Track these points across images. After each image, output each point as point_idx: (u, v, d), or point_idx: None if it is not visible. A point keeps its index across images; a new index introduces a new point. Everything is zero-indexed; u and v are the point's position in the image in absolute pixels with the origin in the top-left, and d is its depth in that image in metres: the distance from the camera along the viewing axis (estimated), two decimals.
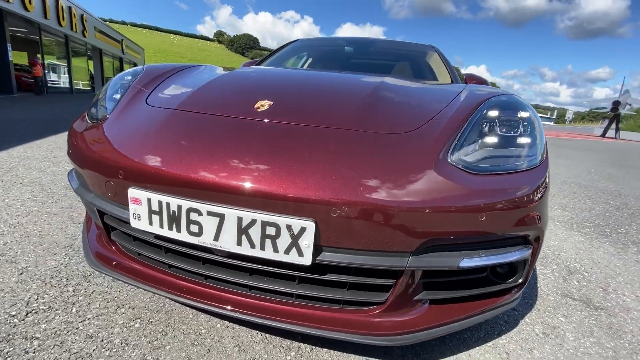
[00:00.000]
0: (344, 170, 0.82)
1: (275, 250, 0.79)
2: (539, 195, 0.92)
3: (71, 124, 1.22)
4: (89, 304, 1.15)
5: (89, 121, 1.17)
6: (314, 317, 0.89)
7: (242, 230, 0.78)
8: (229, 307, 0.90)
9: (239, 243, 0.79)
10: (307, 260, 0.78)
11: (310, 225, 0.76)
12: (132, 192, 0.84)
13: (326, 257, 0.81)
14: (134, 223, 0.87)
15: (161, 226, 0.84)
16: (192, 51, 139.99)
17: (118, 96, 1.22)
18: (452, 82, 2.06)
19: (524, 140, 1.00)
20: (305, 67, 2.56)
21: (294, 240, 0.77)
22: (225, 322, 1.14)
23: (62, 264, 1.38)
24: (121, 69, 27.21)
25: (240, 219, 0.77)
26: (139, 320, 1.10)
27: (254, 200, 0.77)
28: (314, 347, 1.06)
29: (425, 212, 0.78)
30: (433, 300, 0.96)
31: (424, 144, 0.93)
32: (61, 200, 2.11)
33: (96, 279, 1.30)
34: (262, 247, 0.79)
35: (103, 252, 1.10)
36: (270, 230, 0.77)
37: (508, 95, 1.16)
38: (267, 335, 1.09)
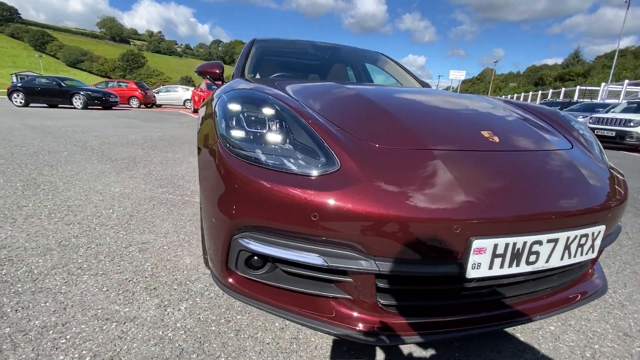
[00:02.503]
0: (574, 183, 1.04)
1: (581, 254, 0.96)
2: None
3: (299, 192, 0.84)
4: None
5: (314, 174, 0.88)
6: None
7: (567, 247, 0.92)
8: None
9: (562, 258, 0.93)
10: (595, 253, 1.00)
11: (602, 228, 0.97)
12: (477, 243, 0.83)
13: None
14: (472, 273, 0.85)
15: (501, 266, 0.87)
16: None
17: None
18: (420, 84, 2.60)
19: None
20: (286, 73, 2.58)
21: (593, 243, 0.97)
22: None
23: None
24: None
25: (568, 238, 0.91)
26: None
27: (562, 221, 0.92)
28: None
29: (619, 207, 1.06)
30: None
31: (584, 155, 1.22)
32: None
33: None
34: (574, 256, 0.95)
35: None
36: (582, 240, 0.94)
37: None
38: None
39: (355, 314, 0.91)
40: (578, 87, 22.36)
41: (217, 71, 2.25)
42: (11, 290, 1.29)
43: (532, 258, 0.88)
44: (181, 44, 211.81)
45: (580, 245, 0.94)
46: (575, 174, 1.05)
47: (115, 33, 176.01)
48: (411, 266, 0.84)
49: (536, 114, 1.52)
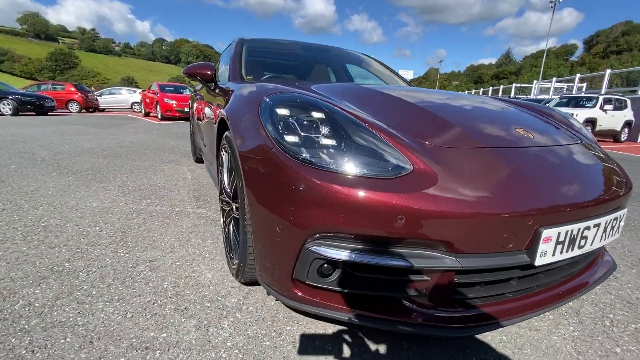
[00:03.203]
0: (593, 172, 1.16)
1: (612, 235, 1.09)
2: None
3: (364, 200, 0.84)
4: None
5: (392, 177, 0.88)
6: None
7: (605, 229, 1.03)
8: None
9: (600, 240, 1.03)
10: (619, 233, 1.14)
11: (625, 211, 1.12)
12: (546, 233, 0.89)
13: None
14: (539, 260, 0.91)
15: (561, 252, 0.95)
16: None
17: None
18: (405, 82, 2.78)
19: None
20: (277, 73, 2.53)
21: (619, 224, 1.11)
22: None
23: None
24: None
25: (606, 222, 1.02)
26: None
27: (603, 207, 1.02)
28: None
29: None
30: None
31: (590, 148, 1.35)
32: None
33: None
34: (608, 237, 1.06)
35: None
36: (614, 223, 1.06)
37: None
38: None
39: (430, 310, 0.93)
40: (514, 84, 24.79)
41: (209, 72, 2.13)
42: (16, 329, 1.11)
43: (582, 242, 0.97)
44: (119, 43, 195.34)
45: (612, 228, 1.06)
46: (600, 165, 1.18)
47: (40, 30, 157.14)
48: (488, 259, 0.88)
49: (537, 111, 1.67)
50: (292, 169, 0.92)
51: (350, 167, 0.90)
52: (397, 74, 2.83)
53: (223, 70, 2.61)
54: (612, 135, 10.84)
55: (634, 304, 1.39)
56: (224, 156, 1.56)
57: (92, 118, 11.96)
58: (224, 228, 1.69)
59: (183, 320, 1.20)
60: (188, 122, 11.20)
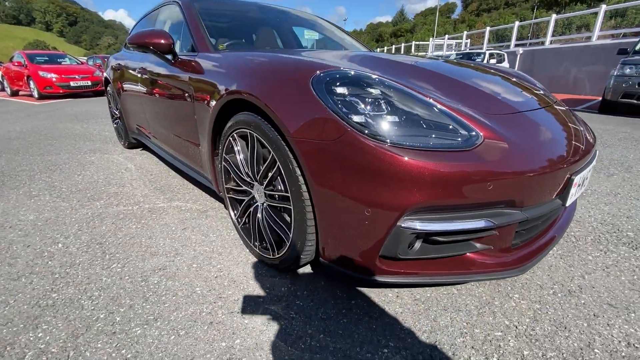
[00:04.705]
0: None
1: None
2: None
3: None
4: None
5: (472, 148, 0.95)
6: None
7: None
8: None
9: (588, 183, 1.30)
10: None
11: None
12: (576, 180, 1.10)
13: None
14: (568, 202, 1.13)
15: (576, 194, 1.17)
16: None
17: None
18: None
19: None
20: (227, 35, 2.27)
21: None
22: None
23: None
24: None
25: (594, 167, 1.16)
26: None
27: (593, 155, 1.25)
28: None
29: None
30: None
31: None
32: None
33: None
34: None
35: None
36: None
37: None
38: None
39: (493, 259, 1.08)
40: (414, 42, 26.84)
41: (164, 42, 1.81)
42: None
43: (586, 183, 1.22)
44: None
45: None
46: (580, 119, 1.44)
47: None
48: (542, 208, 1.05)
49: (513, 76, 1.90)
50: (376, 151, 0.90)
51: (433, 142, 0.93)
52: (357, 40, 2.82)
53: None
54: None
55: (581, 221, 1.83)
56: (239, 142, 1.40)
57: None
58: (238, 219, 1.57)
59: (246, 321, 1.13)
60: (78, 99, 9.31)
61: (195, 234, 1.74)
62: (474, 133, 0.97)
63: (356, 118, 0.95)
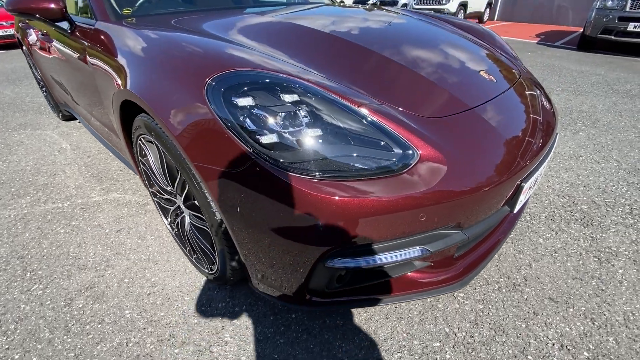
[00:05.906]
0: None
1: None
2: None
3: None
4: None
5: (403, 171, 0.80)
6: None
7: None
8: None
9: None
10: None
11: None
12: (525, 186, 0.98)
13: None
14: (516, 208, 1.03)
15: (526, 196, 1.08)
16: None
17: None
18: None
19: None
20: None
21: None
22: None
23: None
24: None
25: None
26: None
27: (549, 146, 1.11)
28: None
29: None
30: None
31: (528, 80, 1.40)
32: None
33: None
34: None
35: None
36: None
37: None
38: None
39: (433, 276, 1.00)
40: None
41: (55, 6, 1.43)
42: None
43: (539, 181, 1.11)
44: None
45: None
46: (544, 102, 1.26)
47: None
48: (487, 222, 0.95)
49: (472, 32, 1.65)
50: (289, 187, 0.74)
51: (357, 168, 0.77)
52: None
53: None
54: (477, 17, 12.13)
55: (539, 194, 1.79)
56: (149, 147, 1.18)
57: None
58: (171, 225, 1.41)
59: (176, 351, 1.06)
60: (10, 51, 8.11)
61: (130, 237, 1.59)
62: (410, 151, 0.81)
63: (264, 140, 0.76)
